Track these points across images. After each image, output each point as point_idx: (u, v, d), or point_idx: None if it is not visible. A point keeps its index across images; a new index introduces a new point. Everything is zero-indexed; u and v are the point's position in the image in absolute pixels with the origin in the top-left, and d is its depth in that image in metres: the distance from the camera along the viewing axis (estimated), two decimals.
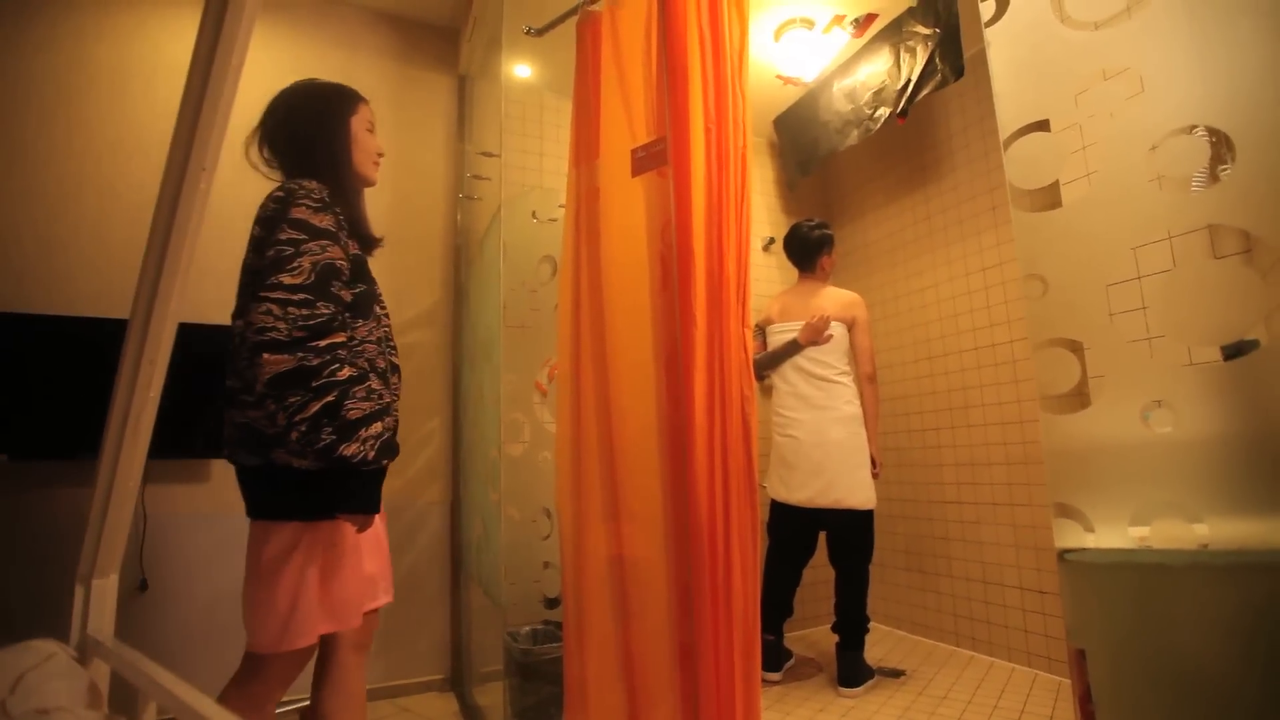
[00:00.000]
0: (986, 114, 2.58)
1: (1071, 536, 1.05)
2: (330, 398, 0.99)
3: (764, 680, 2.33)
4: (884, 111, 2.56)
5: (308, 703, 1.35)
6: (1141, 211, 1.04)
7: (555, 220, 2.19)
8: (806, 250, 2.52)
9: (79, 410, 1.85)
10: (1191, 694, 0.93)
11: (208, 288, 2.15)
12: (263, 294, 0.99)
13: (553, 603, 2.10)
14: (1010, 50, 1.14)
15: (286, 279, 1.00)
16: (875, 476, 2.34)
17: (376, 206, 2.45)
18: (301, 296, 0.99)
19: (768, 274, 3.28)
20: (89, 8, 2.13)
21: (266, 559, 1.14)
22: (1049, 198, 1.17)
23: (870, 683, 2.27)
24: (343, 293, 1.08)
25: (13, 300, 1.90)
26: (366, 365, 1.10)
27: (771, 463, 2.47)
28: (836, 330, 2.39)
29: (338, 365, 1.01)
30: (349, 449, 1.00)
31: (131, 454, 1.14)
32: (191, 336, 2.02)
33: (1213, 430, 0.96)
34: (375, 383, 1.09)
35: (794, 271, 3.15)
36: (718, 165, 1.44)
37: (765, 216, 3.34)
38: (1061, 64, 1.08)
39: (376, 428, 1.04)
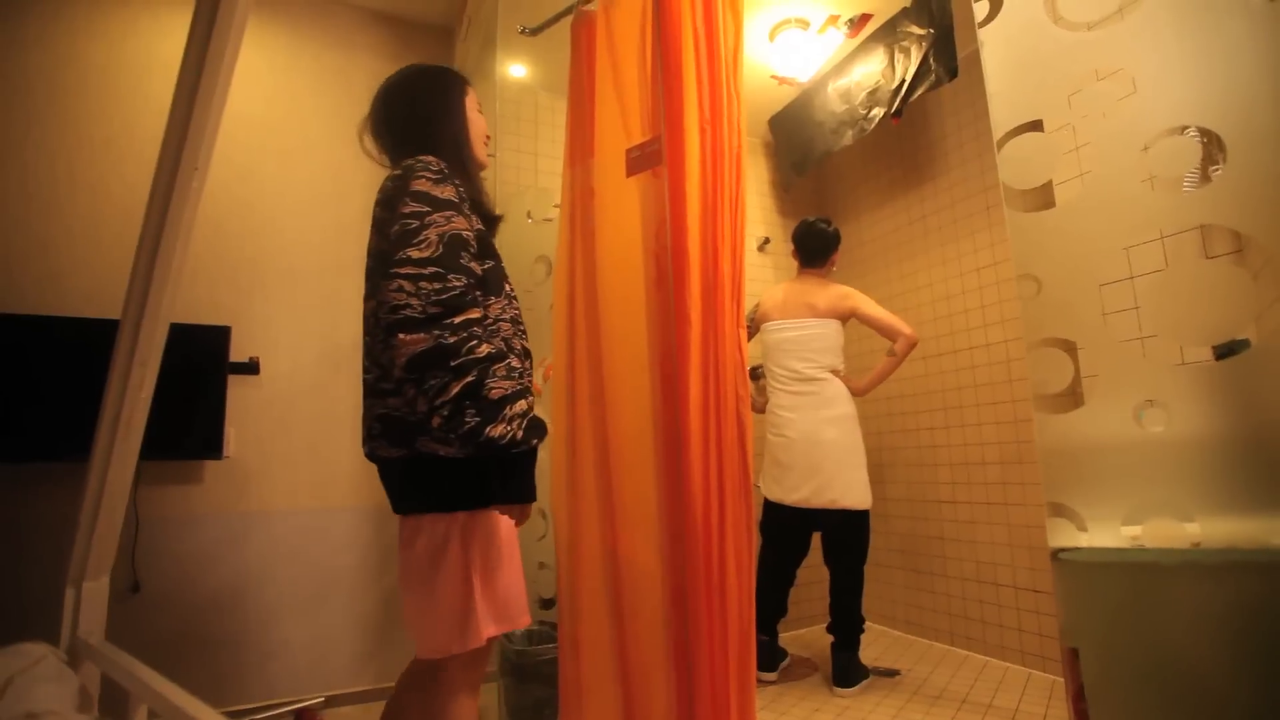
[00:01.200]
0: (980, 114, 2.58)
1: (1065, 536, 1.05)
2: (471, 377, 0.93)
3: (759, 680, 2.33)
4: (878, 112, 2.56)
5: (304, 704, 1.33)
6: (1134, 212, 1.04)
7: (550, 220, 2.19)
8: (824, 245, 2.49)
9: (70, 411, 1.83)
10: (1184, 692, 0.93)
11: (200, 287, 2.14)
12: (392, 270, 0.94)
13: (548, 603, 2.10)
14: (1004, 51, 1.14)
15: (414, 253, 0.95)
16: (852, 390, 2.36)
17: (370, 206, 2.45)
18: (432, 270, 0.94)
19: (763, 274, 3.28)
20: (81, 6, 2.12)
21: (420, 557, 1.07)
22: (1043, 198, 1.18)
23: (865, 682, 2.27)
24: (472, 265, 1.02)
25: (3, 300, 1.89)
26: (503, 344, 1.03)
27: (765, 462, 2.47)
28: (829, 327, 2.38)
29: (476, 342, 0.95)
30: (495, 430, 0.93)
31: (123, 456, 1.14)
32: (184, 336, 2.02)
33: (1205, 429, 0.96)
34: (515, 361, 1.04)
35: (790, 271, 3.14)
36: (712, 165, 1.44)
37: (760, 216, 3.34)
38: (1055, 64, 1.09)
39: (521, 405, 0.97)
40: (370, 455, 1.12)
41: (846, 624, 2.28)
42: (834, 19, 2.53)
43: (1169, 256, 1.12)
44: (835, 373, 2.37)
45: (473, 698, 1.11)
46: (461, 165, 1.14)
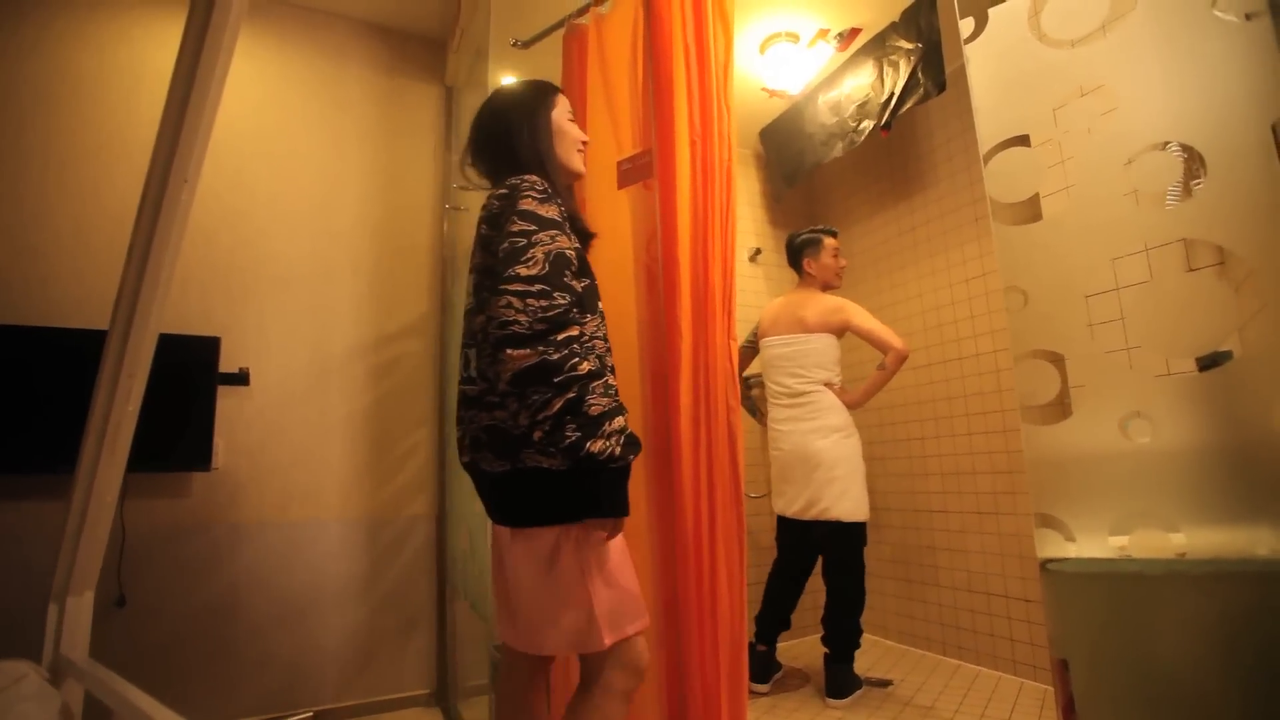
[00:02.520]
0: (968, 127, 2.62)
1: (1053, 546, 1.06)
2: (572, 394, 0.96)
3: (752, 692, 2.32)
4: (868, 124, 2.59)
5: (293, 719, 1.32)
6: (1119, 224, 1.06)
7: None
8: (792, 254, 2.55)
9: (55, 424, 1.82)
10: (1172, 702, 0.93)
11: (190, 297, 2.13)
12: (501, 286, 0.98)
13: None
14: (989, 67, 1.16)
15: (522, 270, 0.98)
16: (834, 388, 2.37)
17: (364, 215, 2.46)
18: (539, 287, 0.97)
19: (754, 285, 3.30)
20: (73, 14, 2.11)
21: (529, 566, 1.09)
22: (1029, 210, 1.19)
23: (858, 693, 2.26)
24: (574, 283, 1.04)
25: None
26: (598, 361, 1.05)
27: (771, 477, 2.48)
28: (820, 341, 2.40)
29: (577, 359, 0.98)
30: (595, 445, 0.96)
31: (109, 469, 1.12)
32: (173, 347, 2.00)
33: (1189, 440, 0.97)
34: (611, 378, 1.07)
35: (782, 283, 3.16)
36: (703, 177, 1.45)
37: (752, 228, 3.36)
38: (1039, 80, 1.10)
39: (619, 421, 1.00)
40: (469, 466, 1.14)
41: (840, 639, 2.27)
42: (824, 33, 2.56)
43: (1154, 268, 1.14)
44: (829, 385, 2.38)
45: (625, 704, 1.13)
46: (551, 184, 1.16)
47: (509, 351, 0.95)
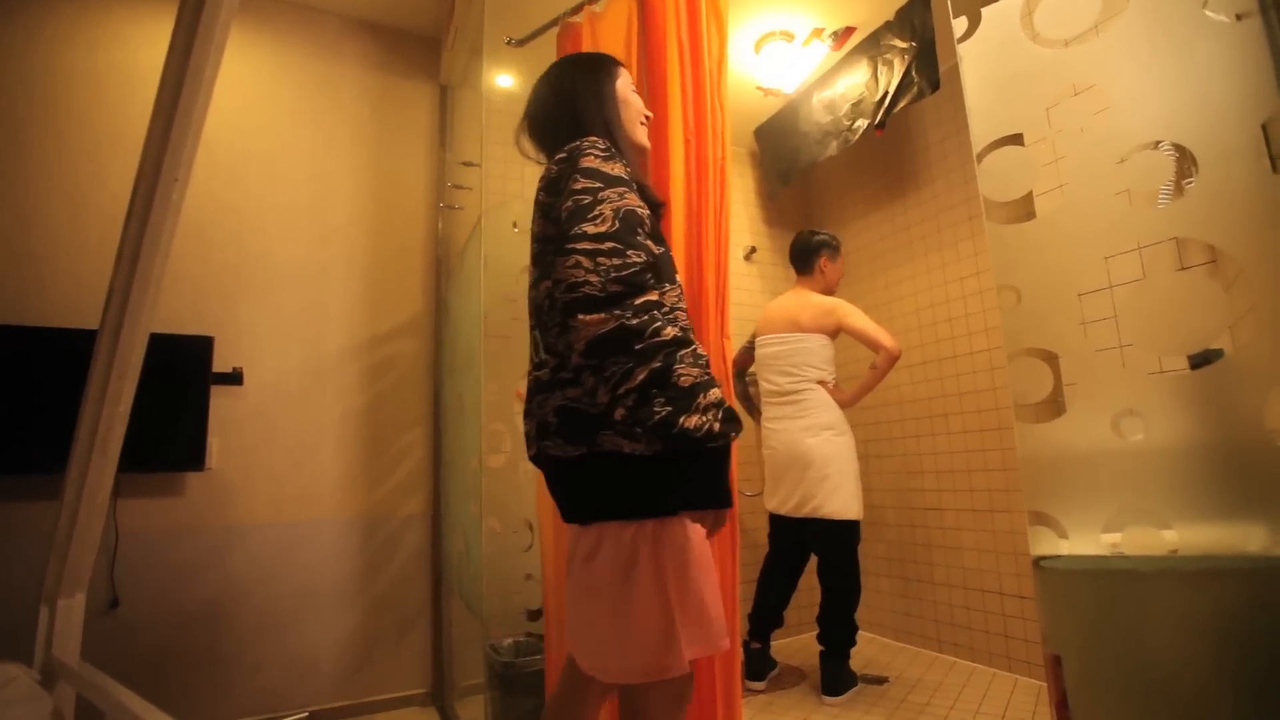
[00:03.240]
0: (963, 126, 2.62)
1: (1046, 544, 1.06)
2: (657, 363, 0.84)
3: (748, 689, 2.32)
4: (862, 123, 2.59)
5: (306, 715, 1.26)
6: (1112, 223, 1.06)
7: None
8: (804, 251, 2.53)
9: (47, 424, 1.80)
10: (1165, 697, 0.94)
11: (183, 296, 2.12)
12: (568, 245, 0.88)
13: (535, 615, 2.08)
14: (982, 66, 1.16)
15: (590, 228, 0.88)
16: (830, 387, 2.37)
17: (359, 213, 2.45)
18: (610, 245, 0.87)
19: (749, 283, 3.30)
20: (65, 14, 2.10)
21: (604, 571, 0.94)
22: (1023, 209, 1.19)
23: (854, 690, 2.27)
24: (648, 243, 0.93)
25: None
26: (683, 331, 0.90)
27: (765, 475, 2.49)
28: (813, 341, 2.40)
29: (660, 324, 0.86)
30: (690, 420, 0.82)
31: (100, 469, 1.12)
32: (166, 347, 1.99)
33: (1181, 438, 0.98)
34: (700, 348, 0.92)
35: (776, 281, 3.15)
36: (697, 175, 1.45)
37: (746, 226, 3.36)
38: (1032, 80, 1.11)
39: (715, 394, 0.86)
40: (537, 457, 1.01)
41: (835, 636, 2.28)
42: (818, 31, 2.56)
43: (1146, 267, 1.14)
44: (823, 384, 2.38)
45: None
46: (619, 151, 1.07)
47: (581, 317, 0.85)
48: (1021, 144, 1.16)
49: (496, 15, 1.89)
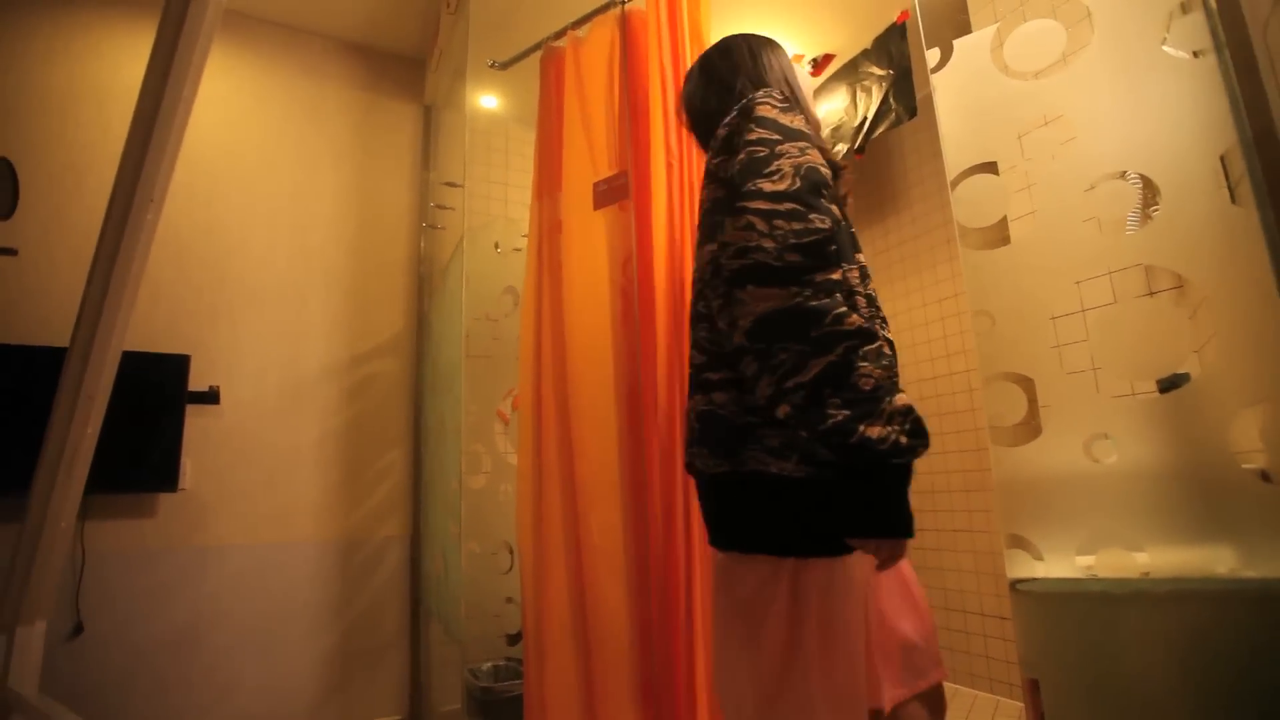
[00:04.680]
0: (939, 152, 2.67)
1: (1022, 566, 1.06)
2: (835, 356, 0.69)
3: None
4: (842, 147, 2.64)
5: None
6: (1083, 248, 1.09)
7: (519, 250, 2.19)
8: None
9: (11, 443, 1.76)
10: (1139, 719, 0.94)
11: (159, 315, 2.08)
12: (740, 204, 0.75)
13: (514, 639, 2.05)
14: (955, 96, 1.19)
15: (767, 185, 0.75)
16: None
17: (340, 233, 2.44)
18: (789, 206, 0.73)
19: None
20: (42, 29, 2.08)
21: (739, 606, 0.81)
22: (998, 234, 1.21)
23: None
24: (832, 207, 0.78)
25: None
26: (866, 322, 0.74)
27: None
28: None
29: (843, 310, 0.71)
30: (873, 429, 0.67)
31: (65, 493, 1.09)
32: (141, 365, 1.96)
33: (1151, 461, 0.99)
34: (887, 347, 0.78)
35: None
36: (679, 199, 1.47)
37: None
38: (1004, 109, 1.13)
39: (902, 400, 0.71)
40: (689, 466, 0.89)
41: None
42: (798, 58, 2.62)
43: (1116, 291, 1.17)
44: None
45: None
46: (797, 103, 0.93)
47: (751, 288, 0.71)
48: (995, 171, 1.18)
49: (480, 38, 1.91)
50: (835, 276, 0.73)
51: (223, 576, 2.07)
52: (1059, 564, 1.04)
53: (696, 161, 1.50)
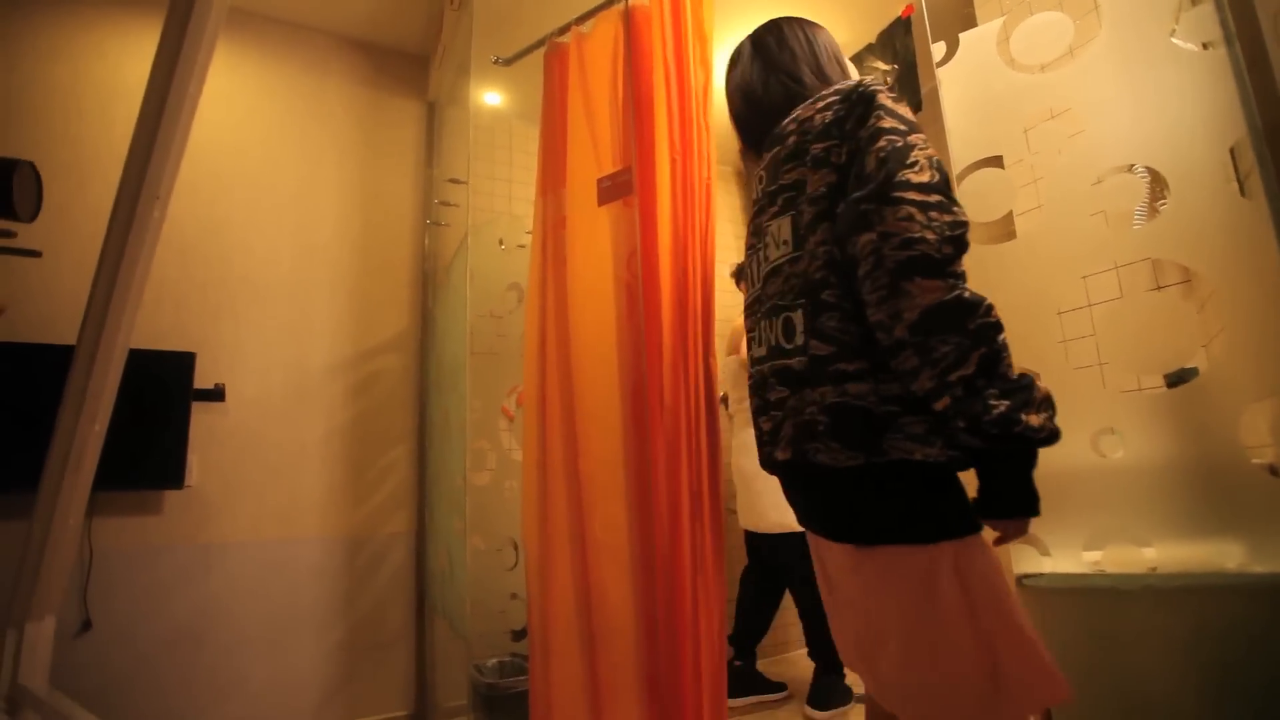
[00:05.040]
0: (945, 146, 2.66)
1: (1029, 562, 1.06)
2: (986, 348, 0.71)
3: (731, 708, 2.30)
4: None
5: None
6: (1090, 242, 1.08)
7: (523, 247, 2.19)
8: None
9: (21, 440, 1.76)
10: (1146, 715, 0.94)
11: (165, 312, 2.09)
12: (895, 194, 0.74)
13: (519, 635, 2.05)
14: (961, 90, 1.18)
15: (913, 176, 0.75)
16: None
17: (344, 230, 2.44)
18: (937, 198, 0.74)
19: (735, 301, 3.30)
20: (46, 27, 2.09)
21: (906, 600, 0.79)
22: (1003, 229, 1.21)
23: (844, 708, 2.25)
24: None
25: None
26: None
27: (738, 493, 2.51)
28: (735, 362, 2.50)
29: (990, 302, 0.73)
30: (1033, 417, 0.70)
31: (73, 491, 1.09)
32: (147, 363, 1.96)
33: (1159, 455, 0.99)
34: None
35: None
36: (683, 195, 1.46)
37: (735, 245, 3.38)
38: (1010, 102, 1.13)
39: (1043, 387, 0.73)
40: (786, 464, 0.88)
41: (821, 649, 2.26)
42: None
43: (1123, 286, 1.16)
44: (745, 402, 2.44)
45: None
46: None
47: (921, 281, 0.71)
48: (1001, 165, 1.18)
49: (484, 34, 1.91)
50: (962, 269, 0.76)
51: (229, 573, 2.08)
52: (1066, 559, 1.04)
53: (700, 156, 1.50)
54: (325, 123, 2.48)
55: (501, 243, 2.23)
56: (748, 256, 1.06)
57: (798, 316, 0.86)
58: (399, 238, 2.55)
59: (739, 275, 2.81)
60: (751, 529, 2.36)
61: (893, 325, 0.74)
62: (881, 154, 0.78)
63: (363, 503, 2.31)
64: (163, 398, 1.99)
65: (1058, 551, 1.09)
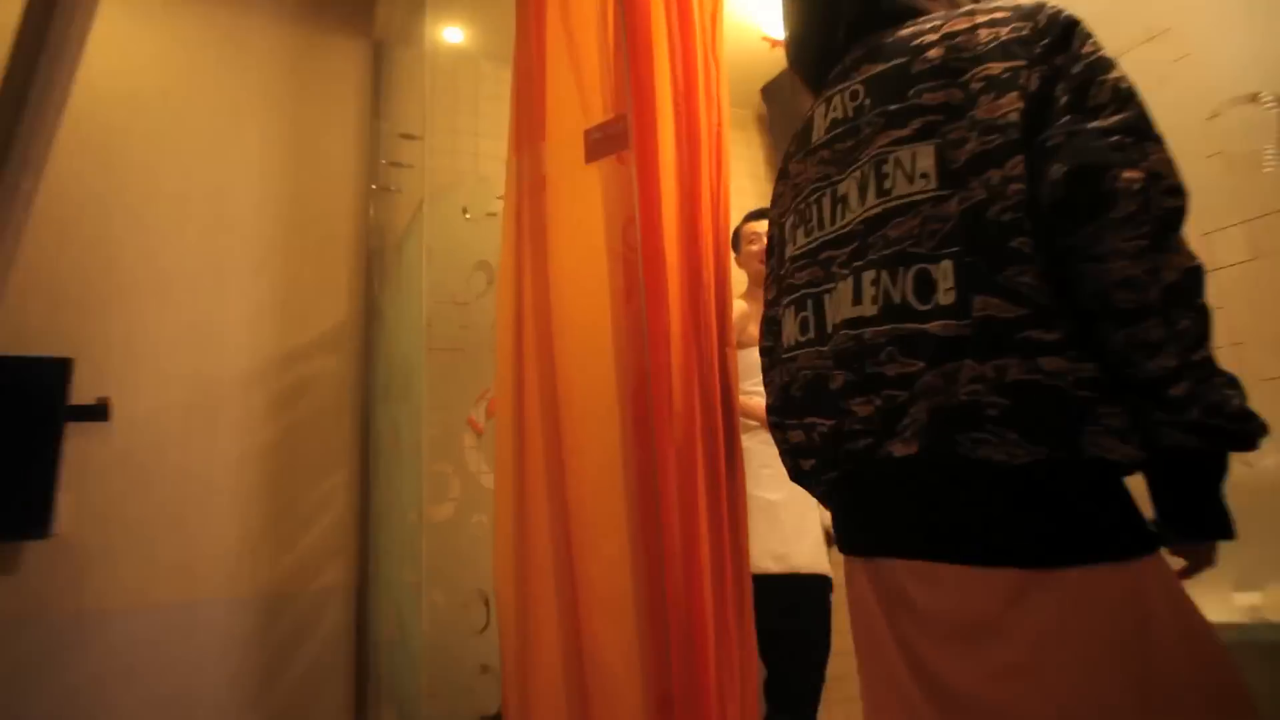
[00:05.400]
0: None
1: None
2: (1209, 326, 0.76)
3: None
4: None
5: None
6: (1207, 192, 1.10)
7: (493, 215, 2.23)
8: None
9: None
10: None
11: (33, 307, 2.12)
12: (1154, 132, 0.80)
13: None
14: None
15: (1145, 125, 0.81)
16: None
17: (269, 199, 2.48)
18: (1165, 155, 0.80)
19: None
20: None
21: (1107, 640, 0.75)
22: None
23: None
24: None
25: None
26: None
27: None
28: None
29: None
30: (1254, 418, 0.74)
31: None
32: (6, 372, 1.97)
33: None
34: None
35: None
36: (689, 147, 1.50)
37: (755, 204, 3.40)
38: (1098, 23, 1.16)
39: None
40: (927, 458, 0.85)
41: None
42: None
43: (1256, 245, 1.18)
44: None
45: None
46: None
47: (1180, 239, 0.77)
48: None
49: None
50: None
51: (109, 649, 2.07)
52: (1211, 604, 1.04)
53: (710, 99, 1.53)
54: (246, 68, 2.54)
55: (466, 211, 2.28)
56: (811, 194, 1.07)
57: (943, 269, 0.85)
58: (337, 208, 2.60)
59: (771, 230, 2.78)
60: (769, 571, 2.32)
61: (1148, 284, 0.75)
62: (1122, 86, 0.82)
63: (287, 550, 2.33)
64: (25, 417, 1.99)
65: (1199, 593, 1.10)
